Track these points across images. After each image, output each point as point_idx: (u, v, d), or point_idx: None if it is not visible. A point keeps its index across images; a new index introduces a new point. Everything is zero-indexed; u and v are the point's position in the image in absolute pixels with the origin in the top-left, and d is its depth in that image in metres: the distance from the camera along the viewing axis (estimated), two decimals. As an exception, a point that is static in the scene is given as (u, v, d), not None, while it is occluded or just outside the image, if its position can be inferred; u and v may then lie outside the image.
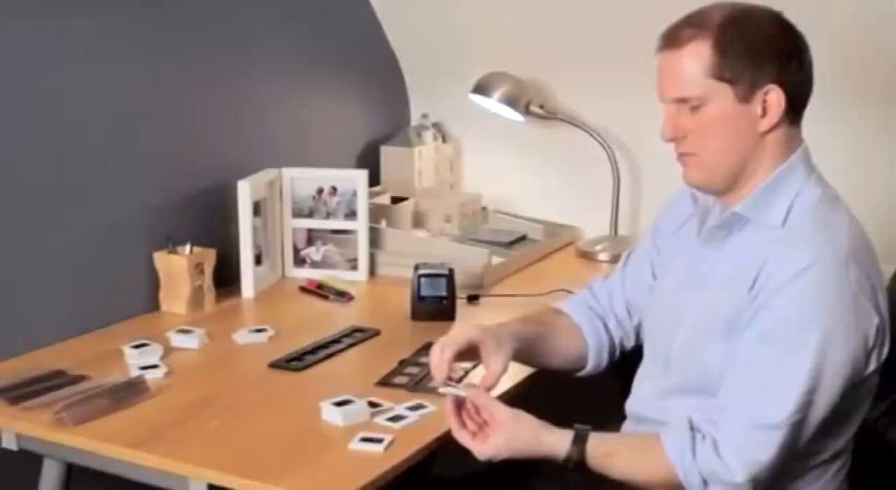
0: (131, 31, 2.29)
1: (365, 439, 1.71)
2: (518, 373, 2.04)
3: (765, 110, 1.63)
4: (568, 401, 2.13)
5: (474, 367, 2.03)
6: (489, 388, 1.76)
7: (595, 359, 1.98)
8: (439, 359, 1.74)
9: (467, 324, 1.95)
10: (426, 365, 2.02)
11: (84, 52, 2.18)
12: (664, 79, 1.68)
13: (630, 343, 1.99)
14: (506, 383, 1.97)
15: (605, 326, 1.98)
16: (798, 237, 1.62)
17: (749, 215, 1.68)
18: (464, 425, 1.72)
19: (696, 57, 1.62)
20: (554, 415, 1.79)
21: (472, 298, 2.46)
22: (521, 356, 1.89)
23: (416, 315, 2.33)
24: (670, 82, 1.66)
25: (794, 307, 1.57)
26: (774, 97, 1.62)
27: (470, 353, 1.80)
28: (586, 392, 2.19)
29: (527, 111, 2.90)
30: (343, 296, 2.48)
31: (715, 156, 1.67)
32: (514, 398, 1.97)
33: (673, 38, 1.65)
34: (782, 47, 1.64)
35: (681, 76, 1.64)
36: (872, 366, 1.63)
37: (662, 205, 1.96)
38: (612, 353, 1.99)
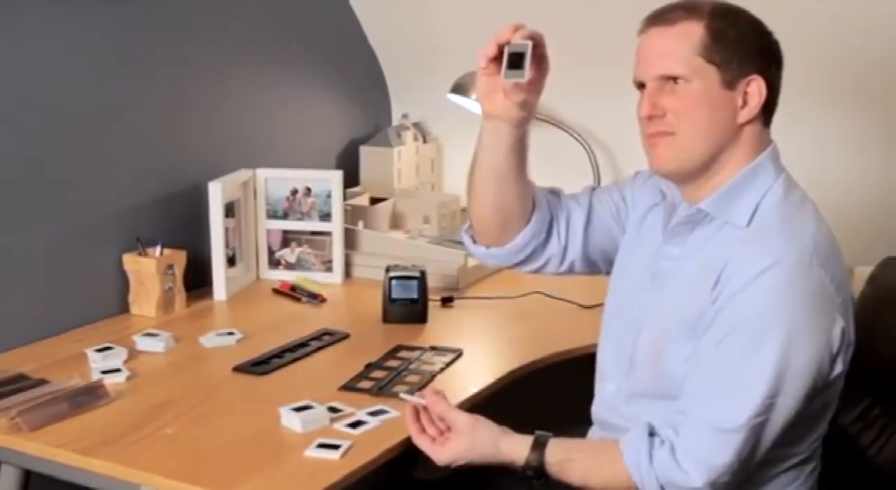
0: (101, 28, 2.27)
1: (322, 445, 1.68)
2: (486, 376, 2.03)
3: (745, 101, 1.62)
4: (536, 405, 2.11)
5: (443, 369, 2.02)
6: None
7: (536, 225, 1.89)
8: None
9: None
10: (393, 369, 2.02)
11: (52, 51, 2.16)
12: (649, 55, 1.65)
13: (556, 265, 1.92)
14: (472, 388, 1.96)
15: (552, 221, 1.91)
16: (761, 238, 1.59)
17: (714, 213, 1.66)
18: (423, 431, 1.72)
19: (687, 35, 1.61)
20: (522, 419, 1.77)
21: (446, 301, 2.43)
22: (514, 137, 1.82)
23: (388, 318, 2.30)
24: (657, 58, 1.64)
25: (755, 309, 1.54)
26: (756, 88, 1.62)
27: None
28: (555, 396, 2.16)
29: (506, 111, 2.86)
30: (315, 298, 2.45)
31: (692, 137, 1.63)
32: (482, 402, 1.96)
33: (663, 18, 1.64)
34: (768, 46, 1.65)
35: (669, 52, 1.62)
36: (838, 369, 1.60)
37: (641, 175, 1.89)
38: (545, 241, 1.91)
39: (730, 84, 1.62)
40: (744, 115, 1.63)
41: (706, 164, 1.65)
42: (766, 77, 1.63)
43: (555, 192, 1.96)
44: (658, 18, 1.65)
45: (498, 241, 1.92)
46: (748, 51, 1.62)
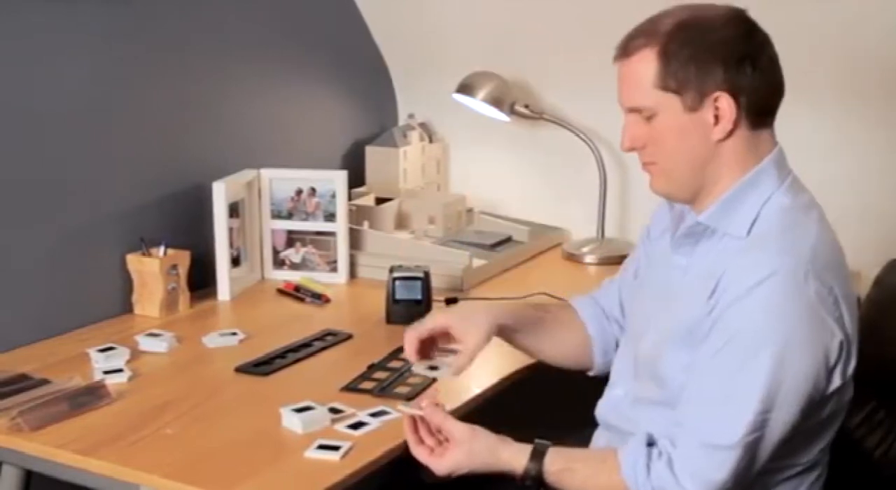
0: (102, 26, 2.26)
1: (322, 447, 1.68)
2: (491, 377, 2.01)
3: (717, 118, 1.58)
4: (541, 407, 2.11)
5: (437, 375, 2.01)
6: (461, 368, 1.76)
7: (601, 358, 1.93)
8: (408, 350, 1.77)
9: (440, 310, 1.91)
10: (395, 370, 2.01)
11: (54, 49, 2.15)
12: (619, 88, 1.65)
13: None
14: (476, 389, 1.96)
15: (610, 325, 1.94)
16: (758, 248, 1.57)
17: (714, 225, 1.63)
18: (421, 441, 1.71)
19: (643, 67, 1.59)
20: (527, 422, 1.76)
21: (451, 301, 2.42)
22: (515, 339, 1.87)
23: (391, 318, 2.29)
24: (623, 92, 1.64)
25: (748, 321, 1.52)
26: (725, 104, 1.57)
27: (445, 338, 1.80)
28: (562, 398, 2.16)
29: (512, 111, 2.87)
30: (319, 298, 2.44)
31: (673, 165, 1.63)
32: (485, 403, 1.95)
33: (624, 48, 1.62)
34: (732, 52, 1.57)
35: (631, 86, 1.62)
36: (836, 382, 1.57)
37: (652, 210, 1.92)
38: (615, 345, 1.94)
39: (694, 107, 1.58)
40: (718, 133, 1.59)
41: (696, 185, 1.64)
42: (733, 87, 1.57)
43: (598, 301, 1.96)
44: (620, 49, 1.63)
45: (589, 371, 1.96)
46: (704, 68, 1.56)
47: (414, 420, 1.71)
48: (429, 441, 1.70)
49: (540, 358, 1.94)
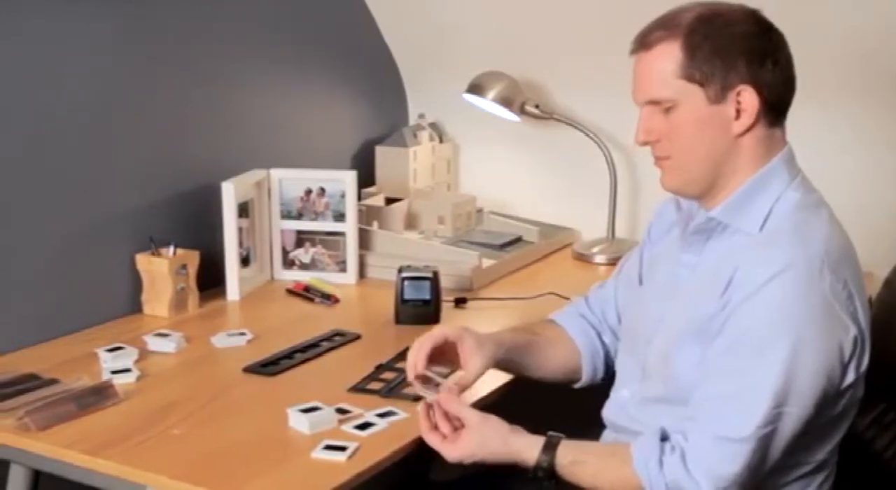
0: (110, 25, 2.26)
1: (328, 447, 1.68)
2: (499, 378, 2.01)
3: (738, 112, 1.59)
4: (550, 407, 2.10)
5: (451, 372, 2.00)
6: (465, 388, 1.77)
7: (590, 370, 1.95)
8: (416, 353, 1.77)
9: (449, 323, 1.92)
10: (403, 370, 1.99)
11: (62, 50, 2.16)
12: (636, 81, 1.65)
13: None
14: (485, 388, 1.95)
15: (600, 337, 1.95)
16: (771, 243, 1.57)
17: (726, 220, 1.64)
18: (434, 428, 1.71)
19: (666, 58, 1.59)
20: (535, 422, 1.75)
21: (460, 302, 2.42)
22: (509, 366, 1.89)
23: (400, 319, 2.29)
24: (642, 84, 1.64)
25: (762, 315, 1.52)
26: (748, 98, 1.58)
27: (450, 353, 1.80)
28: (569, 398, 2.15)
29: (522, 111, 2.86)
30: (329, 298, 2.44)
31: (689, 159, 1.63)
32: (495, 404, 1.94)
33: (643, 41, 1.63)
34: (754, 47, 1.59)
35: (651, 78, 1.62)
36: (850, 377, 1.57)
37: (653, 211, 1.92)
38: (608, 365, 1.95)
39: (717, 99, 1.59)
40: (739, 127, 1.60)
41: (710, 180, 1.64)
42: (756, 82, 1.58)
43: (584, 315, 1.97)
44: (639, 42, 1.64)
45: (575, 384, 1.98)
46: (729, 61, 1.58)
47: (428, 406, 1.72)
48: (443, 427, 1.70)
49: (532, 378, 1.94)
